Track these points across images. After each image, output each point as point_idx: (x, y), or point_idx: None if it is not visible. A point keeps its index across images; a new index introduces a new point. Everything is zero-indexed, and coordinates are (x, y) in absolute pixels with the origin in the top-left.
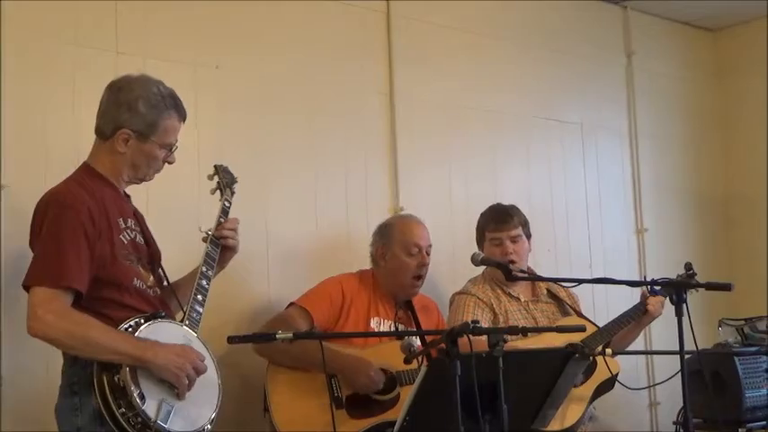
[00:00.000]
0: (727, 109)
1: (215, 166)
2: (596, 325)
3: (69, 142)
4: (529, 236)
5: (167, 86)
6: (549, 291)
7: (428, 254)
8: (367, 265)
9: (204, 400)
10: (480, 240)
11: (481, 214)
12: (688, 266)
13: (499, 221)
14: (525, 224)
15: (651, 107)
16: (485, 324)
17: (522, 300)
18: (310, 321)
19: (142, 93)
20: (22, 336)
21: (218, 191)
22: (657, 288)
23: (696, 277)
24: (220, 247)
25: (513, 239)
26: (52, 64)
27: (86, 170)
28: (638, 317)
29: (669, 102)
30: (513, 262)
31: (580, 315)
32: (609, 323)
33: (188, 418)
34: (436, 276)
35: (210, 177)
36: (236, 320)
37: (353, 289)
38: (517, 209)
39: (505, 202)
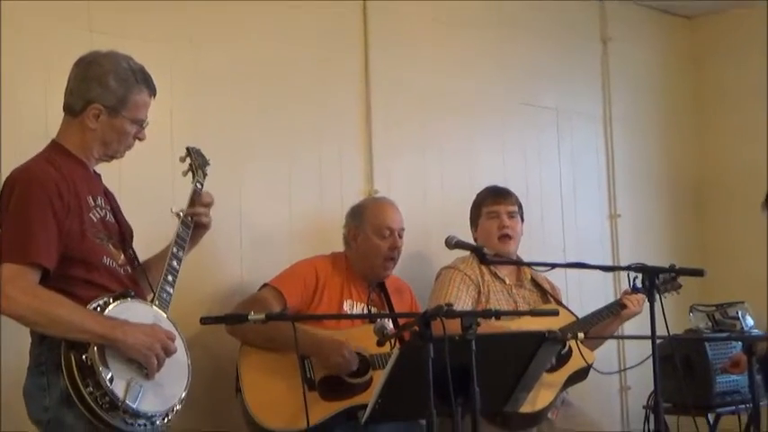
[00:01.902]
0: (703, 96)
1: (187, 149)
2: (576, 316)
3: (41, 121)
4: (522, 219)
5: (137, 62)
6: (533, 279)
7: (400, 236)
8: (341, 247)
9: (174, 380)
10: (475, 218)
11: (478, 193)
12: (672, 267)
13: (498, 195)
14: (520, 206)
15: (626, 93)
16: (469, 301)
17: (507, 282)
18: (283, 303)
19: (112, 67)
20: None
21: (189, 173)
22: (639, 285)
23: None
24: (191, 228)
25: (510, 215)
26: (25, 42)
27: (55, 148)
28: (616, 312)
29: (644, 88)
30: (508, 236)
31: (561, 306)
32: (587, 315)
33: (157, 399)
34: (409, 259)
35: (182, 159)
36: (208, 302)
37: (327, 272)
38: (514, 192)
39: (480, 187)
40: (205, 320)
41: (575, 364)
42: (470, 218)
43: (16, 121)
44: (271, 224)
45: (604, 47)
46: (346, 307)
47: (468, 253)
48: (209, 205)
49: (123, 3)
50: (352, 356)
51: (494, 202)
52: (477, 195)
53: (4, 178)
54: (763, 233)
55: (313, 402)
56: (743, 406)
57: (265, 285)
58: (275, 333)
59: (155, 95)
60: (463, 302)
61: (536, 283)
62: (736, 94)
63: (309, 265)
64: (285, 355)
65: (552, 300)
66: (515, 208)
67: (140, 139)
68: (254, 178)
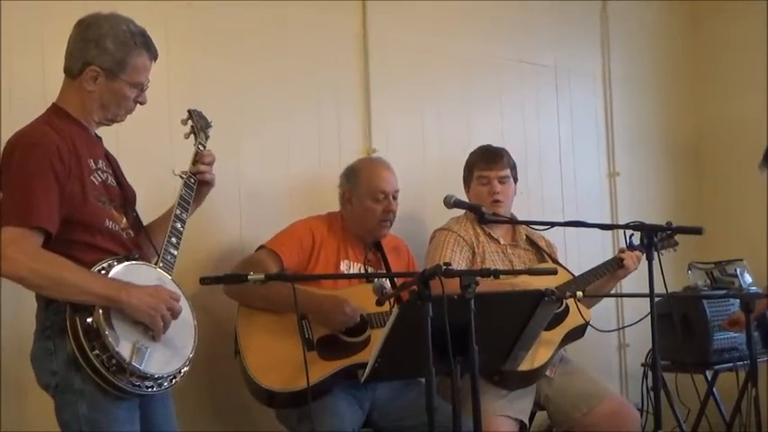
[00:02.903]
0: (701, 54)
1: (189, 111)
2: (573, 274)
3: (36, 84)
4: (516, 179)
5: (138, 25)
6: (528, 238)
7: (395, 198)
8: (339, 206)
9: (180, 341)
10: (468, 179)
11: (471, 153)
12: (668, 224)
13: (489, 160)
14: (513, 167)
15: (625, 51)
16: (463, 262)
17: (502, 242)
18: (280, 264)
19: (110, 30)
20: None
21: (191, 135)
22: (635, 243)
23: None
24: (194, 188)
25: (501, 180)
26: (18, 2)
27: (55, 110)
28: (613, 269)
29: (644, 46)
30: (498, 201)
31: (557, 264)
32: (584, 273)
33: (164, 360)
34: (406, 217)
35: (184, 122)
36: (207, 262)
37: (323, 232)
38: (507, 151)
39: (478, 145)
40: (205, 280)
41: (572, 321)
42: (463, 178)
43: (10, 84)
44: (269, 184)
45: (603, 5)
46: (343, 267)
47: (461, 213)
48: (211, 163)
49: None
50: (354, 311)
51: (485, 167)
52: (470, 156)
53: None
54: (761, 191)
55: (312, 362)
56: (741, 363)
57: (262, 247)
58: (273, 294)
59: (155, 59)
60: (457, 264)
61: (531, 242)
62: (735, 52)
63: (305, 225)
64: (283, 315)
65: (548, 258)
66: (507, 172)
67: (141, 103)
68: (253, 138)
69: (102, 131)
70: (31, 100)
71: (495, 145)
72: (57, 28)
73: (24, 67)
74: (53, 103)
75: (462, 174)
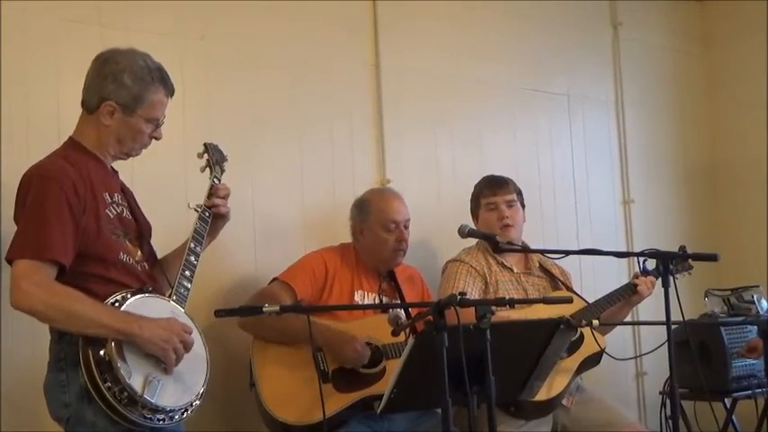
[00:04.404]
0: (714, 78)
1: (205, 145)
2: (587, 301)
3: (52, 116)
4: (523, 205)
5: (155, 60)
6: (541, 265)
7: (406, 227)
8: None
9: (193, 374)
10: (475, 209)
11: (476, 184)
12: (682, 249)
13: (495, 186)
14: (519, 193)
15: (638, 77)
16: (476, 293)
17: (515, 271)
18: (294, 296)
19: (128, 65)
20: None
21: (207, 168)
22: (650, 269)
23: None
24: (209, 223)
25: (509, 204)
26: (35, 37)
27: (71, 144)
28: (627, 296)
29: (656, 72)
30: (508, 226)
31: (571, 291)
32: (598, 300)
33: (176, 393)
34: (422, 247)
35: (200, 156)
36: (221, 295)
37: (336, 263)
38: (512, 179)
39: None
40: (219, 313)
41: (587, 349)
42: (471, 209)
43: (27, 117)
44: (284, 216)
45: (615, 31)
46: (357, 297)
47: (473, 243)
48: (226, 197)
49: None
50: (364, 350)
51: (491, 194)
52: (475, 187)
53: (16, 175)
54: None
55: (328, 394)
56: (759, 390)
57: (275, 280)
58: (287, 327)
59: (172, 95)
60: (470, 295)
61: (544, 269)
62: (748, 76)
63: (318, 257)
64: (298, 348)
65: (562, 285)
66: (513, 196)
67: (156, 139)
68: (267, 171)
69: (117, 164)
70: (46, 134)
71: (507, 173)
72: (71, 58)
73: (40, 101)
74: (69, 137)
75: (469, 206)
